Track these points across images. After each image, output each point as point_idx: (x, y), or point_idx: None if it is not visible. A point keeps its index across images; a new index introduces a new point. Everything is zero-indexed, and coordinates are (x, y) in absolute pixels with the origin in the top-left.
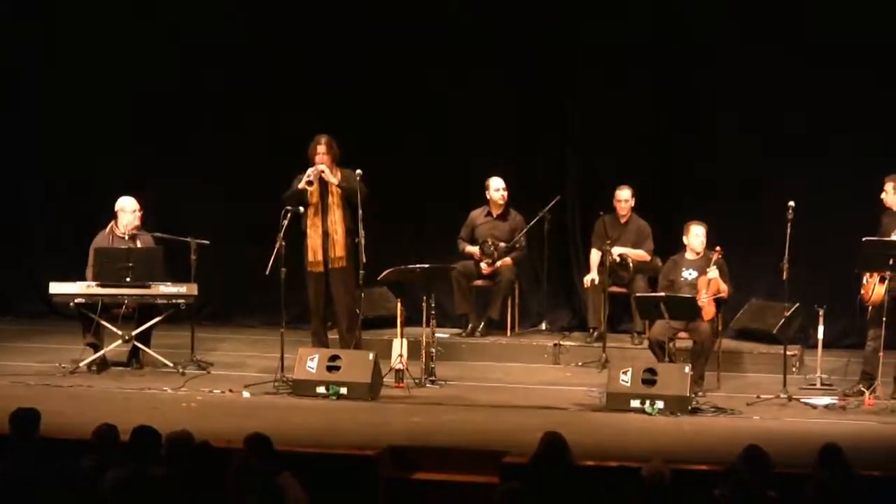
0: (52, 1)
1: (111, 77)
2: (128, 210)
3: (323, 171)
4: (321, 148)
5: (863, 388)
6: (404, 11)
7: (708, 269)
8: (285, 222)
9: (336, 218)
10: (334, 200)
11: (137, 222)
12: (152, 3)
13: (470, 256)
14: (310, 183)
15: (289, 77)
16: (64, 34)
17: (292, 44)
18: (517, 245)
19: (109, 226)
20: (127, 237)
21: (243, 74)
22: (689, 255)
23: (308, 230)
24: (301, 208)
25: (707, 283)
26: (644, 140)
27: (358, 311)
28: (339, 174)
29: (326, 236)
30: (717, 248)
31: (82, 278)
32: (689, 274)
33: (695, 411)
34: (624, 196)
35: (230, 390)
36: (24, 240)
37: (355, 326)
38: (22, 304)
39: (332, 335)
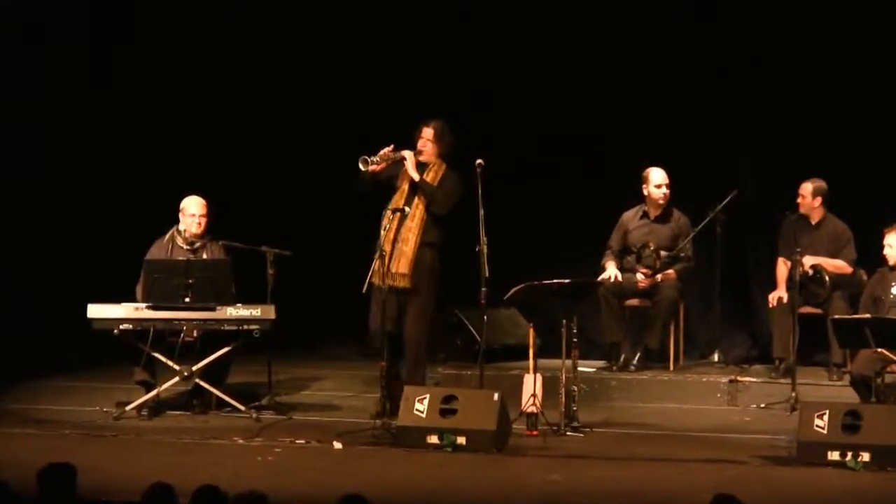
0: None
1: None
2: (188, 212)
3: (405, 158)
4: (428, 131)
5: None
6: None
7: None
8: (387, 223)
9: (413, 224)
10: (420, 201)
11: (197, 230)
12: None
13: (611, 279)
14: (372, 162)
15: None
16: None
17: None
18: (682, 254)
19: (170, 232)
20: (197, 246)
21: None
22: None
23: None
24: (406, 208)
25: None
26: (836, 124)
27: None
28: (438, 170)
29: (395, 244)
30: None
31: (132, 298)
32: None
33: None
34: (810, 190)
35: (317, 440)
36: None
37: (423, 368)
38: (60, 329)
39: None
